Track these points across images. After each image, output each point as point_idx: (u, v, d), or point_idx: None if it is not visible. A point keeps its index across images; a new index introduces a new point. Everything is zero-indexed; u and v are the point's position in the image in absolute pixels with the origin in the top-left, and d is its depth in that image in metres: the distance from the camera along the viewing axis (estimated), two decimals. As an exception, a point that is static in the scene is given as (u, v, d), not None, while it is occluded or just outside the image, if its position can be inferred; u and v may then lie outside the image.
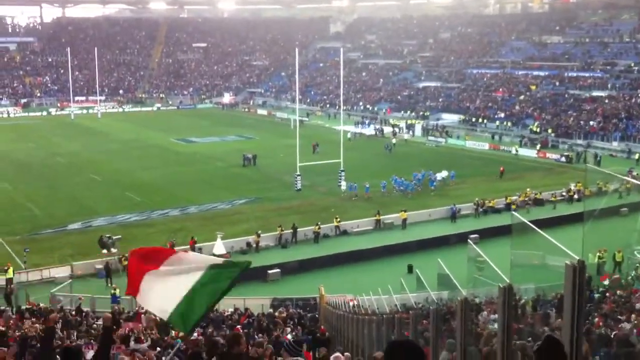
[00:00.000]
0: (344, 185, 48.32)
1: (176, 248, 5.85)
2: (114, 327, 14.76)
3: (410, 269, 31.93)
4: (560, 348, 4.30)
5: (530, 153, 66.01)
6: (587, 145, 65.99)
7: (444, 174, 52.13)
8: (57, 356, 8.23)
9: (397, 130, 79.25)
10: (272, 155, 62.39)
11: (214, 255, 36.06)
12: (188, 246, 36.01)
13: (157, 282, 6.52)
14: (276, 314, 23.22)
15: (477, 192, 47.71)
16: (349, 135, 69.12)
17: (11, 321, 20.54)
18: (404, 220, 41.44)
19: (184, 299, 6.37)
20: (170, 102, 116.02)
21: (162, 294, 6.46)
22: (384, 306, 16.84)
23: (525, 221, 6.07)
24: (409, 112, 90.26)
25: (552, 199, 46.48)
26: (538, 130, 72.71)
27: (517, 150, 66.15)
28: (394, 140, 71.92)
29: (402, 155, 65.39)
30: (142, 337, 14.83)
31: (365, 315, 16.11)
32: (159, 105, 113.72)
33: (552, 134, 70.98)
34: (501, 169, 55.52)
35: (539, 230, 5.63)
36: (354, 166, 54.11)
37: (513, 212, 13.58)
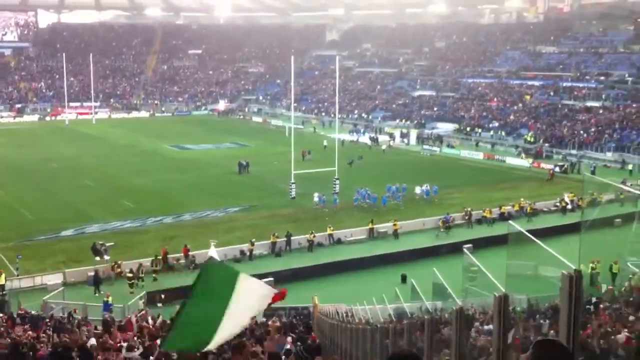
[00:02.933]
0: (315, 197, 47.22)
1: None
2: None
3: (404, 278, 31.88)
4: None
5: (524, 163, 66.13)
6: (581, 156, 66.15)
7: (425, 187, 50.24)
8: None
9: (390, 139, 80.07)
10: (267, 163, 62.34)
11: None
12: (181, 254, 35.93)
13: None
14: (269, 323, 23.10)
15: (470, 201, 47.70)
16: (325, 143, 69.49)
17: (1, 328, 20.41)
18: (395, 230, 41.31)
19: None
20: (163, 109, 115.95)
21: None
22: (378, 316, 16.80)
23: (523, 231, 6.06)
24: (403, 120, 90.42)
25: (530, 208, 46.28)
26: (532, 140, 72.89)
27: (530, 163, 65.09)
28: (383, 147, 73.25)
29: (398, 163, 65.49)
30: (134, 345, 14.72)
31: (359, 324, 16.05)
32: (153, 111, 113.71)
33: (546, 144, 71.16)
34: (550, 172, 58.52)
35: (537, 240, 5.61)
36: (349, 174, 54.13)
37: (510, 222, 13.58)
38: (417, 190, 49.99)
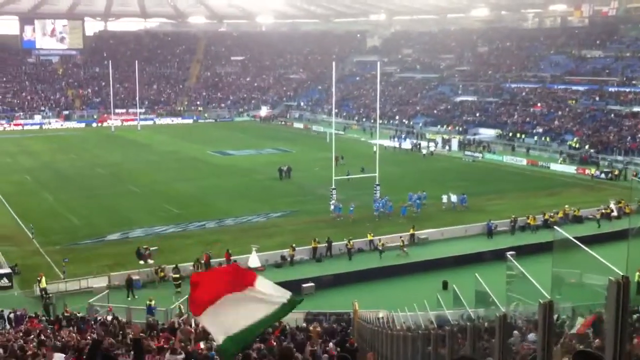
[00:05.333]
0: (331, 205, 46.77)
1: (254, 273, 5.99)
2: (142, 338, 14.89)
3: (445, 285, 31.62)
4: None
5: (568, 169, 65.04)
6: (628, 162, 64.76)
7: (453, 197, 48.57)
8: None
9: (432, 144, 79.73)
10: (308, 168, 62.51)
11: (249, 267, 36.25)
12: (224, 259, 36.24)
13: (235, 306, 6.50)
14: (310, 328, 23.15)
15: (514, 208, 47.08)
16: (375, 149, 69.09)
17: (48, 330, 20.89)
18: (371, 241, 39.98)
19: (248, 328, 6.36)
20: (206, 115, 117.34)
21: (234, 317, 6.46)
22: (419, 322, 16.70)
23: (569, 237, 5.95)
24: (445, 126, 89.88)
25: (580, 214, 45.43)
26: (577, 146, 71.64)
27: (592, 174, 61.37)
28: (424, 152, 74.41)
29: (438, 170, 65.12)
30: (178, 349, 14.89)
31: (400, 331, 15.97)
32: (196, 118, 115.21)
33: (592, 150, 69.88)
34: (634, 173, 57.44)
35: (583, 247, 5.52)
36: (390, 180, 53.91)
37: (556, 228, 13.29)
38: (444, 198, 48.90)
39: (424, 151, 75.43)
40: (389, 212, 46.26)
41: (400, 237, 39.90)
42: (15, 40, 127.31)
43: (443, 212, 47.24)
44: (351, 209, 45.74)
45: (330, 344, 18.92)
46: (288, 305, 6.57)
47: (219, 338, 6.42)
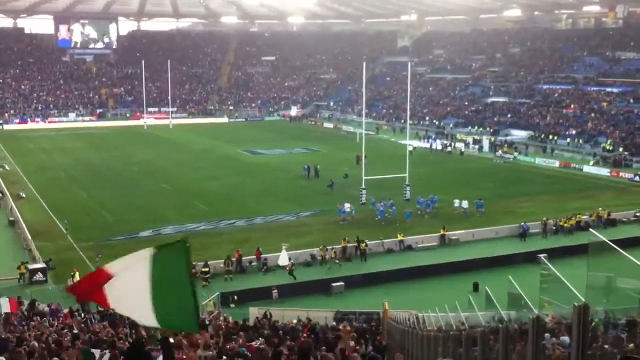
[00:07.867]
0: (346, 206, 45.67)
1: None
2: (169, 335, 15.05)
3: (475, 286, 31.46)
4: None
5: (601, 172, 64.16)
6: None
7: (464, 203, 46.54)
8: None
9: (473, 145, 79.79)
10: (337, 168, 62.51)
11: (279, 266, 36.46)
12: (254, 257, 36.48)
13: (120, 290, 6.04)
14: (340, 327, 23.22)
15: (546, 210, 46.64)
16: (410, 148, 68.76)
17: (82, 324, 21.26)
18: (401, 241, 40.11)
19: (152, 299, 5.86)
20: (237, 115, 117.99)
21: (132, 301, 6.00)
22: (450, 323, 16.69)
23: (605, 240, 5.96)
24: (476, 127, 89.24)
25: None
26: (611, 148, 70.64)
27: None
28: (454, 149, 72.97)
29: (470, 171, 64.69)
30: (210, 345, 15.10)
31: (431, 331, 15.99)
32: (227, 117, 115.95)
33: (626, 153, 68.86)
34: None
35: (620, 250, 5.54)
36: (420, 181, 53.77)
37: (591, 230, 13.25)
38: (456, 203, 47.58)
39: (456, 150, 76.89)
40: (393, 215, 45.58)
41: (333, 248, 37.86)
42: (50, 39, 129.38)
43: (473, 214, 46.86)
44: (352, 211, 45.51)
45: (351, 342, 18.92)
46: (169, 248, 5.78)
47: (152, 323, 5.91)
